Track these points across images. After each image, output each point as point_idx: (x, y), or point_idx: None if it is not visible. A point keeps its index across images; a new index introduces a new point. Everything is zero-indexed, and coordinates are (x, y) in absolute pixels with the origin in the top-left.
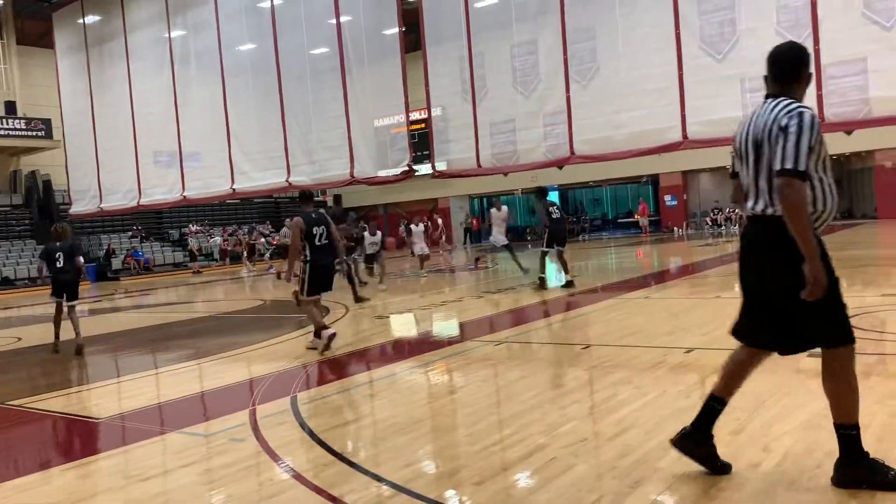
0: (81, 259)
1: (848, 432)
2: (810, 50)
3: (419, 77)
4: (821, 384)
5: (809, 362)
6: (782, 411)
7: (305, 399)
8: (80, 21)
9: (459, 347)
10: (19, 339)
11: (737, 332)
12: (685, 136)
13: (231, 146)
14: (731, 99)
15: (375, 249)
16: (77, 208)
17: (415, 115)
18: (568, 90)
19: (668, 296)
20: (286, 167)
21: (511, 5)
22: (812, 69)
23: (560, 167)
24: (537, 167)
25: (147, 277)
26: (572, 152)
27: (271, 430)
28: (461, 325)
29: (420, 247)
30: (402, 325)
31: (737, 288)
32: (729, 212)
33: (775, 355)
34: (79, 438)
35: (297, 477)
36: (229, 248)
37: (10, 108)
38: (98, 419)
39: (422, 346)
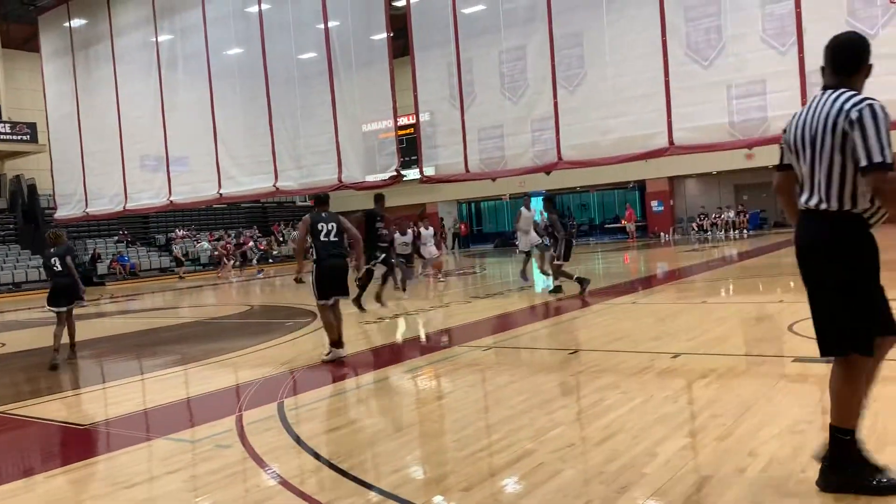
0: (72, 261)
1: (841, 437)
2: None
3: (407, 82)
4: (805, 388)
5: (794, 367)
6: (767, 416)
7: (292, 405)
8: (66, 24)
9: (447, 352)
10: (3, 344)
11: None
12: (671, 143)
13: (218, 151)
14: (717, 105)
15: (407, 251)
16: (62, 213)
17: (403, 121)
18: (555, 96)
19: (654, 301)
20: (274, 172)
21: (499, 11)
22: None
23: (548, 173)
24: (525, 172)
25: (133, 282)
26: (560, 158)
27: (258, 437)
28: (449, 330)
29: (429, 250)
30: (390, 331)
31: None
32: (715, 217)
33: (759, 360)
34: (63, 445)
35: (284, 483)
36: (228, 252)
37: None
38: (83, 426)
39: (409, 351)
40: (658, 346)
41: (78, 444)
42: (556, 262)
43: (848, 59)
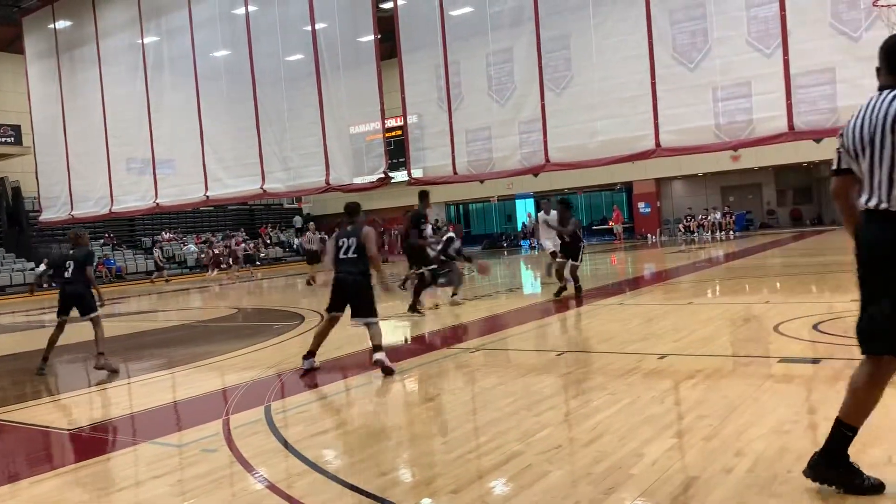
0: (91, 270)
1: (844, 432)
2: (780, 60)
3: (395, 84)
4: (791, 389)
5: (780, 368)
6: (753, 416)
7: (280, 408)
8: (51, 26)
9: (435, 355)
10: None
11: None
12: (658, 145)
13: (205, 153)
14: (703, 107)
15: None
16: (47, 215)
17: (390, 123)
18: (543, 98)
19: (641, 302)
20: (261, 174)
21: (486, 14)
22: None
23: (535, 175)
24: (513, 174)
25: (119, 286)
26: (547, 160)
27: (245, 440)
28: (437, 333)
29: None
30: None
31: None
32: (701, 219)
33: (745, 361)
34: (49, 450)
35: (271, 487)
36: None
37: None
38: (68, 430)
39: (398, 353)
40: (645, 347)
41: (63, 448)
42: (573, 263)
43: None
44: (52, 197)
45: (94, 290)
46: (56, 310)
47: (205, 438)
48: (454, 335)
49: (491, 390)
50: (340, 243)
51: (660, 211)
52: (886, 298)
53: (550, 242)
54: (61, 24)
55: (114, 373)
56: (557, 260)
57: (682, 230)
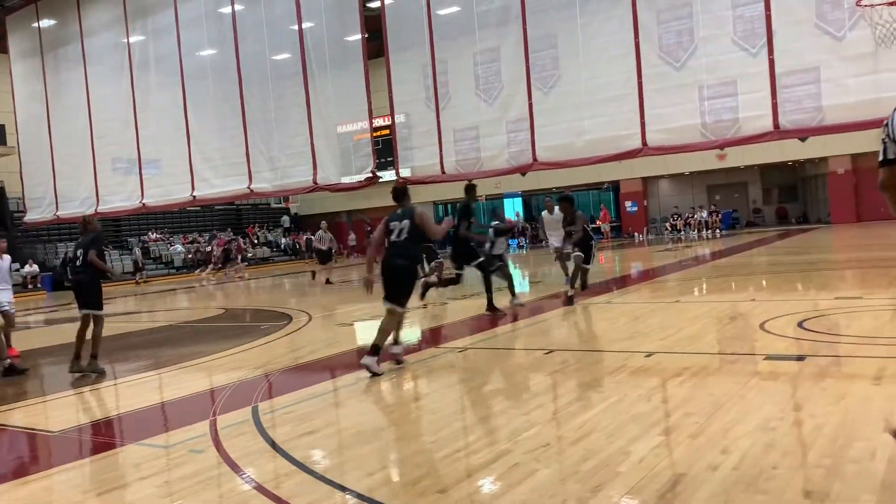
0: (94, 253)
1: None
2: (765, 59)
3: (382, 84)
4: (777, 386)
5: (766, 365)
6: (739, 413)
7: (267, 409)
8: (35, 25)
9: (423, 354)
10: None
11: None
12: (645, 144)
13: (191, 153)
14: (689, 106)
15: (502, 249)
16: (32, 216)
17: (378, 122)
18: (530, 97)
19: (628, 300)
20: (248, 174)
21: (473, 13)
22: None
23: (523, 174)
24: (501, 174)
25: (105, 286)
26: (535, 159)
27: (232, 441)
28: (425, 333)
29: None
30: (367, 333)
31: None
32: (688, 217)
33: (731, 358)
34: (33, 452)
35: (259, 488)
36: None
37: None
38: (53, 432)
39: (386, 353)
40: (632, 345)
41: (48, 451)
42: (584, 266)
43: None
44: (36, 197)
45: (106, 273)
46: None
47: (192, 439)
48: (442, 335)
49: (479, 389)
50: (391, 227)
51: (647, 210)
52: None
53: (557, 240)
54: (45, 22)
55: (100, 374)
56: (566, 252)
57: (669, 229)
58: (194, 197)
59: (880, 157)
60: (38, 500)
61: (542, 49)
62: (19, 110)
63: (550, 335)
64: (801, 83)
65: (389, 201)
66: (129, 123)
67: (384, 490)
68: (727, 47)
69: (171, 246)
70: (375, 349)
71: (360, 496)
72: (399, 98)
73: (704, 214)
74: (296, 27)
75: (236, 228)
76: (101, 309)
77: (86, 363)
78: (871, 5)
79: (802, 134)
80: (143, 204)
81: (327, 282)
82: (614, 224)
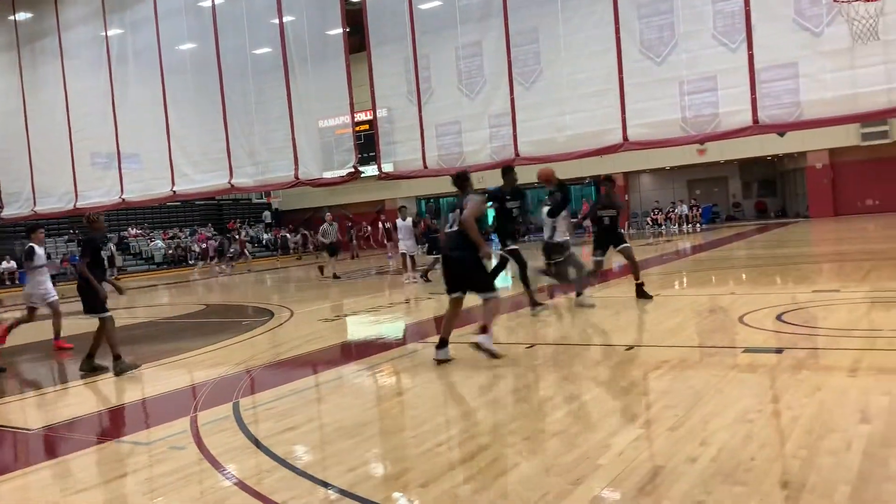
0: (83, 262)
1: None
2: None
3: (364, 78)
4: (755, 378)
5: (745, 358)
6: (718, 406)
7: (249, 405)
8: (11, 18)
9: (406, 349)
10: None
11: None
12: (626, 138)
13: (171, 147)
14: (670, 101)
15: (567, 235)
16: (9, 212)
17: (360, 116)
18: (512, 92)
19: (609, 294)
20: (228, 169)
21: (455, 7)
22: None
23: None
24: (483, 168)
25: None
26: (517, 154)
27: (213, 437)
28: (408, 328)
29: (407, 244)
30: (349, 328)
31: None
32: (669, 211)
33: (710, 351)
34: (11, 450)
35: (239, 484)
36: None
37: None
38: (32, 430)
39: (368, 348)
40: (612, 338)
41: (26, 449)
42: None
43: None
44: (14, 193)
45: (93, 288)
46: None
47: (172, 436)
48: (425, 330)
49: (461, 384)
50: (449, 218)
51: (628, 204)
52: None
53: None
54: (21, 15)
55: (96, 371)
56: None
57: (650, 223)
58: (174, 192)
59: None
60: (15, 499)
61: (524, 44)
62: None
63: (532, 329)
64: (780, 78)
65: (371, 196)
66: (108, 118)
67: (366, 485)
68: (707, 42)
69: (152, 241)
70: (483, 329)
71: (341, 491)
72: (381, 92)
73: (685, 209)
74: (276, 21)
75: (217, 224)
76: (99, 312)
77: (110, 361)
78: (848, 1)
79: (781, 129)
80: (123, 199)
81: (335, 276)
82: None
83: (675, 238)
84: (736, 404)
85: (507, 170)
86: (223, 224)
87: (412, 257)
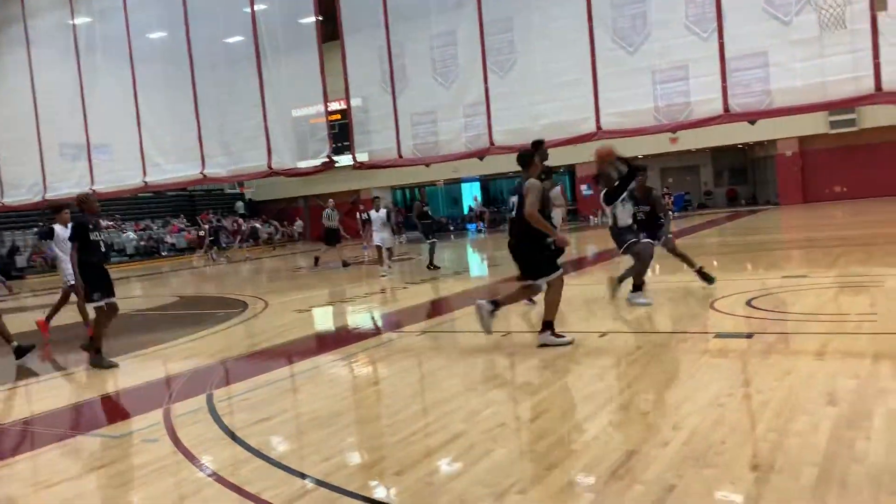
0: (73, 247)
1: None
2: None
3: (337, 67)
4: (726, 363)
5: (716, 343)
6: (690, 390)
7: (223, 396)
8: None
9: (381, 338)
10: None
11: None
12: (599, 127)
13: (142, 137)
14: (643, 90)
15: (632, 220)
16: None
17: (334, 106)
18: (486, 81)
19: (583, 282)
20: (201, 159)
21: None
22: None
23: (481, 158)
24: (458, 158)
25: (55, 275)
26: (492, 143)
27: (186, 429)
28: (384, 317)
29: (382, 237)
30: (324, 319)
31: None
32: None
33: (682, 337)
34: None
35: (213, 475)
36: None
37: None
38: (2, 424)
39: (343, 338)
40: (587, 325)
41: None
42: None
43: None
44: None
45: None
46: None
47: (145, 428)
48: (400, 319)
49: (436, 372)
50: (511, 202)
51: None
52: None
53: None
54: None
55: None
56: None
57: None
58: (146, 183)
59: None
60: None
61: (498, 33)
62: None
63: (507, 318)
64: (750, 67)
65: (346, 186)
66: (77, 108)
67: (340, 474)
68: (679, 32)
69: (124, 233)
70: (547, 325)
71: (316, 481)
72: (355, 81)
73: None
74: (248, 9)
75: (189, 215)
76: (89, 300)
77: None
78: None
79: (751, 117)
80: (93, 190)
81: (344, 264)
82: (571, 207)
83: None
84: (707, 389)
85: (538, 142)
86: (195, 215)
87: (389, 249)
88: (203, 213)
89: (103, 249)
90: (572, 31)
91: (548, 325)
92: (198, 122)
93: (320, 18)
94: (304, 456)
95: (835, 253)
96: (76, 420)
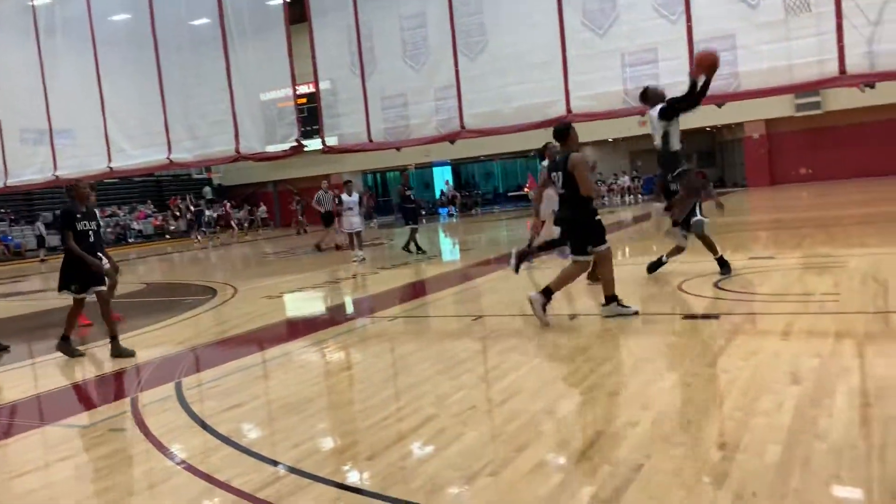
0: (68, 237)
1: None
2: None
3: (305, 49)
4: (693, 343)
5: (684, 324)
6: (658, 371)
7: (193, 383)
8: None
9: (353, 324)
10: None
11: None
12: (569, 110)
13: (107, 122)
14: (612, 73)
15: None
16: None
17: (303, 89)
18: (457, 64)
19: (556, 265)
20: (167, 143)
21: None
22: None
23: (452, 142)
24: (429, 142)
25: (18, 263)
26: (463, 126)
27: (155, 418)
28: (355, 302)
29: (353, 221)
30: (294, 305)
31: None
32: (611, 183)
33: (651, 318)
34: None
35: (182, 463)
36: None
37: None
38: None
39: (315, 324)
40: (558, 308)
41: None
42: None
43: None
44: None
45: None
46: None
47: (113, 418)
48: (372, 304)
49: (408, 357)
50: (552, 177)
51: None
52: None
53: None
54: None
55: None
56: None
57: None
58: (111, 168)
59: None
60: None
61: (468, 14)
62: None
63: (479, 302)
64: (718, 50)
65: (316, 171)
66: (38, 92)
67: (311, 460)
68: (648, 14)
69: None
70: (609, 299)
71: (287, 467)
72: (323, 64)
73: (627, 180)
74: None
75: (157, 201)
76: (64, 289)
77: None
78: None
79: (719, 100)
80: (57, 177)
81: (337, 247)
82: None
83: (617, 209)
84: (675, 369)
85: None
86: (164, 201)
87: (358, 234)
88: (172, 199)
89: (92, 239)
90: (541, 13)
91: (612, 299)
92: (163, 106)
93: (287, 0)
94: (274, 442)
95: (801, 234)
96: (42, 410)
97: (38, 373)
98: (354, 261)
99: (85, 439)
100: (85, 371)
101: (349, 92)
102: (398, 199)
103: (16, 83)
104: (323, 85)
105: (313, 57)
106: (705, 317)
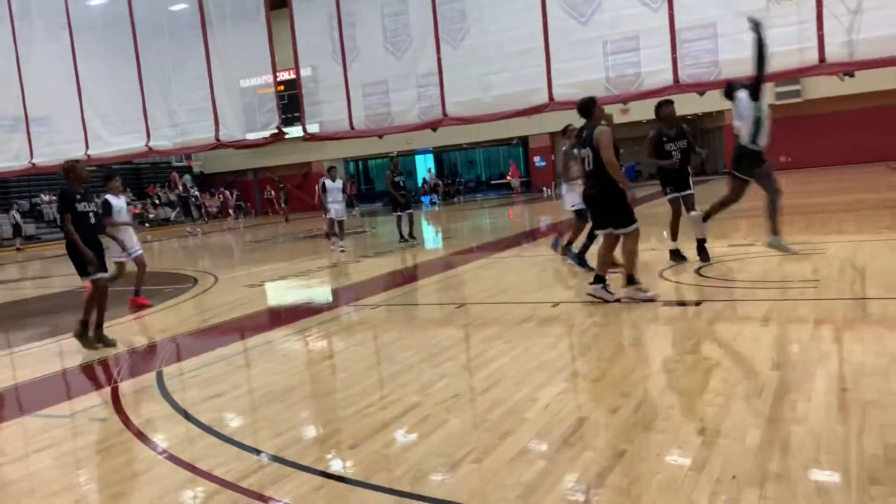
0: (64, 218)
1: None
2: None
3: (286, 36)
4: (673, 330)
5: (664, 311)
6: (639, 358)
7: (174, 373)
8: None
9: (336, 312)
10: None
11: None
12: (551, 98)
13: (83, 108)
14: (594, 61)
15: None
16: None
17: (283, 76)
18: (439, 51)
19: (537, 254)
20: (146, 131)
21: None
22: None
23: (434, 129)
24: (411, 129)
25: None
26: (445, 114)
27: (135, 407)
28: (338, 290)
29: (336, 208)
30: (276, 294)
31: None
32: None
33: (632, 306)
34: None
35: (163, 453)
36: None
37: None
38: None
39: (297, 313)
40: (540, 296)
41: None
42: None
43: None
44: None
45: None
46: None
47: (93, 407)
48: (355, 292)
49: (391, 345)
50: (582, 154)
51: (555, 165)
52: None
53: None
54: None
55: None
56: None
57: None
58: (89, 156)
59: None
60: None
61: (450, 1)
62: None
63: (462, 289)
64: (700, 38)
65: (297, 158)
66: (12, 78)
67: (294, 449)
68: (630, 2)
69: None
70: (598, 279)
71: (270, 456)
72: (304, 51)
73: None
74: None
75: (136, 189)
76: (83, 275)
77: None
78: None
79: (701, 88)
80: (33, 164)
81: (327, 235)
82: (524, 179)
83: None
84: (657, 355)
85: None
86: (142, 189)
87: (340, 222)
88: (150, 186)
89: (93, 221)
90: (523, 0)
91: (631, 279)
92: (142, 93)
93: None
94: (257, 431)
95: (780, 221)
96: (21, 400)
97: (17, 363)
98: (333, 249)
99: (65, 429)
100: (64, 361)
101: (330, 79)
102: (389, 186)
103: None
104: (304, 72)
105: (294, 43)
106: (686, 304)
